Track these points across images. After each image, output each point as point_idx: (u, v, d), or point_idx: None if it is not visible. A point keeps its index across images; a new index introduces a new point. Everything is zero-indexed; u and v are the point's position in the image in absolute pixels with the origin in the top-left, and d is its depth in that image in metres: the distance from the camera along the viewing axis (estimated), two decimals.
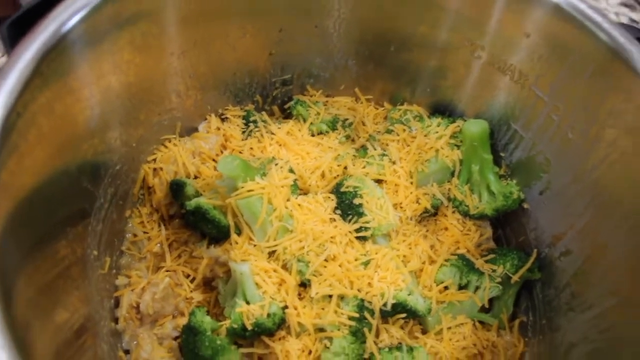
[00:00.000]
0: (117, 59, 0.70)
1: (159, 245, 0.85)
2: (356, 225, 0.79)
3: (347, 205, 0.81)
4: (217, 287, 0.82)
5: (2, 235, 0.52)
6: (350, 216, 0.80)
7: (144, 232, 0.85)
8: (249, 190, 0.78)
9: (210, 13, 0.78)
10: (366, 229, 0.79)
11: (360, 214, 0.80)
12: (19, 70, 0.57)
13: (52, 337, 0.62)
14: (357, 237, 0.80)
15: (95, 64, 0.67)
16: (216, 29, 0.81)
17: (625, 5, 1.42)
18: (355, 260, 0.78)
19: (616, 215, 0.72)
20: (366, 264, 0.78)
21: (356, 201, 0.80)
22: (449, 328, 0.82)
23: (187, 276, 0.84)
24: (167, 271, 0.84)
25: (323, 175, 0.86)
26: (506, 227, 0.93)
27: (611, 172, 0.72)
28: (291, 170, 0.83)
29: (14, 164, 0.55)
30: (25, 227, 0.57)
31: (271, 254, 0.78)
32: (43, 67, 0.59)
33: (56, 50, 0.60)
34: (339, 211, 0.81)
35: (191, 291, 0.84)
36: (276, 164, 0.82)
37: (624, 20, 1.39)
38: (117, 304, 0.83)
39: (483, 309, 0.85)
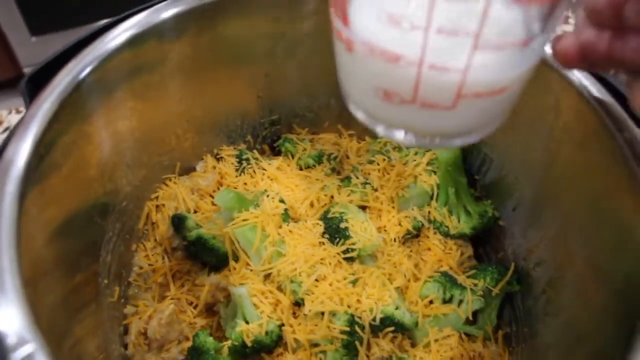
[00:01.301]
0: (123, 106, 0.79)
1: (163, 276, 0.92)
2: (343, 247, 0.86)
3: (334, 230, 0.88)
4: (219, 311, 0.89)
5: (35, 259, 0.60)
6: (338, 239, 0.87)
7: (149, 265, 0.92)
8: (244, 220, 0.86)
9: (202, 63, 0.86)
10: (352, 250, 0.86)
11: (347, 237, 0.87)
12: (40, 118, 0.65)
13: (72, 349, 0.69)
14: (345, 258, 0.86)
15: (105, 111, 0.75)
16: (208, 77, 0.90)
17: None
18: (344, 279, 0.84)
19: (577, 225, 0.78)
20: (354, 282, 0.84)
21: (342, 225, 0.87)
22: (436, 340, 0.88)
23: (190, 303, 0.91)
24: (171, 299, 0.91)
25: (312, 205, 0.94)
26: (486, 245, 1.00)
27: (569, 185, 0.79)
28: (282, 201, 0.90)
29: (40, 200, 0.63)
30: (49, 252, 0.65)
31: (267, 276, 0.85)
32: (61, 114, 0.67)
33: (71, 99, 0.68)
34: (327, 235, 0.88)
35: (194, 317, 0.90)
36: (268, 196, 0.90)
37: None
38: (125, 331, 0.89)
39: (468, 322, 0.91)
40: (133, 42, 0.75)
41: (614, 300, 0.68)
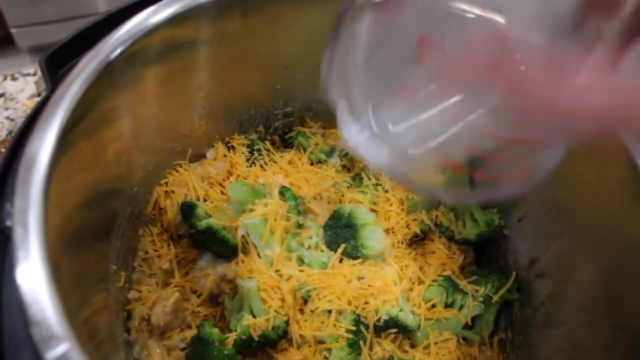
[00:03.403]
0: (146, 91, 0.78)
1: (168, 262, 0.91)
2: (351, 247, 0.87)
3: (343, 230, 0.88)
4: (224, 302, 0.89)
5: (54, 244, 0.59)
6: (346, 240, 0.88)
7: (155, 250, 0.92)
8: (255, 213, 0.86)
9: (229, 50, 0.85)
10: (361, 251, 0.87)
11: (355, 238, 0.88)
12: (67, 102, 0.64)
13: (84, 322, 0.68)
14: (353, 259, 0.87)
15: (128, 96, 0.74)
16: (230, 67, 0.89)
17: None
18: (351, 281, 0.85)
19: (585, 241, 0.80)
20: (361, 282, 0.85)
21: (351, 225, 0.89)
22: (436, 343, 0.89)
23: (194, 292, 0.91)
24: (175, 286, 0.90)
25: (321, 201, 0.94)
26: (488, 252, 1.01)
27: (580, 202, 0.81)
28: (293, 196, 0.90)
29: (62, 185, 0.61)
30: (68, 237, 0.64)
31: (276, 270, 0.86)
32: (87, 98, 0.65)
33: (99, 83, 0.67)
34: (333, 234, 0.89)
35: (198, 306, 0.90)
36: (279, 190, 0.90)
37: None
38: (129, 316, 0.88)
39: (466, 326, 0.93)
40: (172, 21, 0.73)
41: (620, 323, 0.70)
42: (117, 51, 0.69)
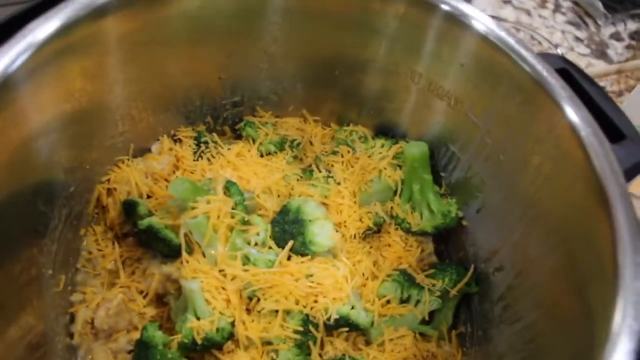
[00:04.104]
0: (70, 87, 0.73)
1: (113, 262, 0.88)
2: (299, 244, 0.84)
3: (290, 226, 0.85)
4: (169, 303, 0.86)
5: None
6: (294, 236, 0.84)
7: (99, 250, 0.88)
8: (197, 211, 0.82)
9: (158, 40, 0.80)
10: (309, 248, 0.84)
11: (303, 234, 0.84)
12: None
13: (10, 350, 0.65)
14: (301, 256, 0.84)
15: (45, 96, 0.69)
16: (167, 56, 0.84)
17: (571, 23, 1.49)
18: (299, 279, 0.82)
19: (542, 233, 0.77)
20: (310, 281, 0.82)
21: (299, 221, 0.85)
22: (391, 340, 0.87)
23: (141, 292, 0.87)
24: (121, 287, 0.87)
25: (270, 195, 0.91)
26: (447, 242, 0.98)
27: (538, 193, 0.77)
28: (239, 191, 0.86)
29: None
30: None
31: (220, 270, 0.82)
32: None
33: (3, 88, 0.62)
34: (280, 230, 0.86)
35: (144, 306, 0.86)
36: (224, 185, 0.86)
37: (570, 38, 1.46)
38: (72, 319, 0.85)
39: (423, 321, 0.90)
40: (65, 27, 0.67)
41: (579, 317, 0.66)
42: (22, 58, 0.64)
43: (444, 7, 0.78)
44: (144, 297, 0.87)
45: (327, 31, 0.88)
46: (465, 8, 0.78)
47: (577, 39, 1.46)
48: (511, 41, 0.76)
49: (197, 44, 0.85)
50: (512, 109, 0.78)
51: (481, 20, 0.77)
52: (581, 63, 1.40)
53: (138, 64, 0.81)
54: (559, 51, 1.39)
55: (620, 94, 1.36)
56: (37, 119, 0.69)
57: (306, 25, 0.88)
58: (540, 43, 1.43)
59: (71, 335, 0.84)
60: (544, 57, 0.77)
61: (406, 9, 0.81)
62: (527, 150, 0.77)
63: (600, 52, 1.45)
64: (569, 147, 0.69)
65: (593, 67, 1.41)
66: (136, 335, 0.85)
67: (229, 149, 0.94)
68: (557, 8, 1.52)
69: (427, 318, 0.90)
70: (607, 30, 1.49)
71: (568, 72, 0.79)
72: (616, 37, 1.49)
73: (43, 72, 0.67)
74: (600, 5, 1.48)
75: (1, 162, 0.65)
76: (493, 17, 0.79)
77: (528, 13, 1.50)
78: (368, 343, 0.87)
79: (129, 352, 0.85)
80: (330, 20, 0.86)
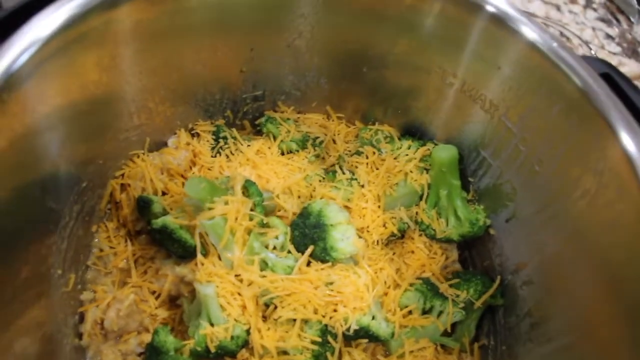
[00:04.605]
0: (84, 79, 0.69)
1: (125, 260, 0.85)
2: (319, 250, 0.80)
3: (311, 230, 0.81)
4: (182, 305, 0.82)
5: None
6: (314, 241, 0.80)
7: (110, 247, 0.85)
8: (214, 212, 0.78)
9: (176, 31, 0.76)
10: (330, 254, 0.80)
11: (324, 239, 0.80)
12: None
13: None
14: (321, 262, 0.80)
15: (53, 90, 0.65)
16: (187, 47, 0.80)
17: (602, 20, 1.43)
18: (318, 287, 0.78)
19: (581, 252, 0.72)
20: (330, 289, 0.78)
21: (321, 225, 0.81)
22: (411, 352, 0.83)
23: (153, 292, 0.84)
24: (132, 287, 0.84)
25: (290, 196, 0.87)
26: (472, 250, 0.94)
27: (575, 209, 0.73)
28: (258, 191, 0.82)
29: None
30: None
31: (236, 275, 0.78)
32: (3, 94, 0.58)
33: (9, 83, 0.59)
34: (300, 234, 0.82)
35: (156, 308, 0.83)
36: (243, 185, 0.82)
37: (601, 35, 1.40)
38: (81, 319, 0.82)
39: (445, 332, 0.86)
40: (76, 17, 0.63)
41: (627, 346, 0.62)
42: (33, 49, 0.60)
43: (489, 8, 0.73)
44: (156, 298, 0.84)
45: (356, 25, 0.84)
46: (509, 10, 0.73)
47: (608, 36, 1.40)
48: (557, 47, 0.71)
49: (218, 36, 0.81)
50: (552, 117, 0.74)
51: (525, 23, 0.72)
52: (611, 62, 1.34)
53: (155, 55, 0.77)
54: (591, 49, 1.34)
55: None
56: (45, 113, 0.65)
57: (334, 18, 0.83)
58: (569, 40, 1.37)
59: (80, 336, 0.81)
60: (588, 61, 0.72)
61: (446, 7, 0.76)
62: (568, 164, 0.73)
63: (632, 51, 1.39)
64: (621, 176, 0.64)
65: (623, 66, 1.36)
66: (147, 337, 0.82)
67: (248, 145, 0.90)
68: (588, 4, 1.46)
69: (449, 330, 0.86)
70: (639, 28, 1.43)
71: (611, 78, 0.74)
72: None
73: (51, 64, 0.63)
74: (634, 1, 1.42)
75: (8, 159, 0.62)
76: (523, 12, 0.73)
77: (558, 8, 1.44)
78: (387, 354, 0.84)
79: (140, 354, 0.83)
80: (360, 14, 0.82)
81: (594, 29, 1.41)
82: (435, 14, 0.77)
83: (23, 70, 0.59)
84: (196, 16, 0.76)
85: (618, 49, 1.39)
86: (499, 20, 0.73)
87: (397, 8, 0.80)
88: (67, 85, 0.66)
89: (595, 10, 1.45)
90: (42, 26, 0.61)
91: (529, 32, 0.72)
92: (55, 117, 0.67)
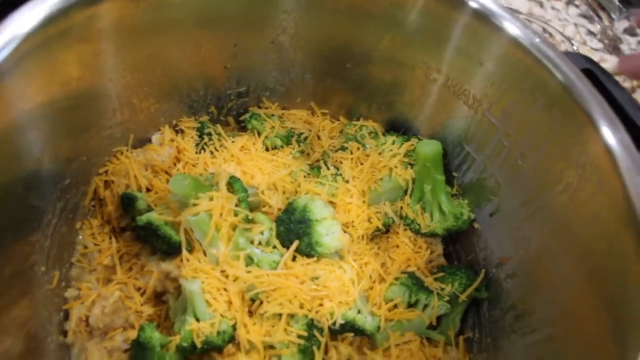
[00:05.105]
0: (67, 75, 0.69)
1: (109, 257, 0.85)
2: (305, 245, 0.80)
3: (296, 225, 0.81)
4: (168, 301, 0.82)
5: None
6: (299, 236, 0.80)
7: (95, 244, 0.85)
8: (199, 208, 0.78)
9: (160, 27, 0.76)
10: (315, 249, 0.80)
11: (309, 234, 0.80)
12: None
13: None
14: (307, 257, 0.80)
15: (34, 87, 0.64)
16: (170, 43, 0.79)
17: (584, 17, 1.44)
18: (304, 282, 0.78)
19: (563, 245, 0.73)
20: (316, 283, 0.78)
21: (306, 220, 0.81)
22: (397, 345, 0.84)
23: (138, 289, 0.84)
24: (117, 283, 0.84)
25: (275, 192, 0.87)
26: (457, 244, 0.95)
27: (558, 202, 0.73)
28: (243, 187, 0.82)
29: None
30: None
31: (222, 270, 0.78)
32: None
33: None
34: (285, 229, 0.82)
35: (142, 304, 0.83)
36: (227, 181, 0.82)
37: (583, 31, 1.41)
38: (66, 316, 0.82)
39: (430, 326, 0.87)
40: (56, 13, 0.62)
41: (607, 337, 0.63)
42: (13, 44, 0.60)
43: (472, 4, 0.73)
44: (142, 295, 0.84)
45: (340, 21, 0.84)
46: (492, 6, 0.73)
47: (590, 32, 1.42)
48: (540, 42, 0.71)
49: (202, 32, 0.81)
50: (535, 112, 0.74)
51: (508, 19, 0.73)
52: (593, 58, 1.35)
53: (138, 52, 0.77)
54: (573, 45, 1.35)
55: (633, 90, 1.32)
56: (27, 109, 0.65)
57: (318, 14, 0.83)
58: (552, 36, 1.38)
59: (65, 334, 0.81)
60: (570, 57, 0.73)
61: (429, 3, 0.76)
62: (550, 158, 0.73)
63: (613, 47, 1.41)
64: (602, 169, 0.65)
65: (605, 62, 1.37)
66: (132, 333, 0.81)
67: (233, 141, 0.90)
68: (570, 1, 1.47)
69: (434, 323, 0.87)
70: (620, 25, 1.45)
71: (592, 73, 0.75)
72: (630, 31, 1.44)
73: (32, 61, 0.62)
74: None
75: None
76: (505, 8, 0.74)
77: (541, 5, 1.45)
78: (373, 347, 0.84)
79: (125, 350, 0.82)
80: (344, 10, 0.82)
81: (576, 25, 1.42)
82: (419, 10, 0.78)
83: (3, 67, 0.58)
84: (179, 12, 0.76)
85: (600, 45, 1.40)
86: (482, 16, 0.74)
87: (381, 4, 0.80)
88: (49, 82, 0.66)
89: (577, 6, 1.46)
90: (22, 21, 0.60)
91: (512, 27, 0.72)
92: (38, 114, 0.66)
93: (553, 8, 1.45)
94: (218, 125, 0.92)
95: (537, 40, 0.72)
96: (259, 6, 0.81)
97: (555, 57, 0.71)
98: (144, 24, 0.74)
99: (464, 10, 0.74)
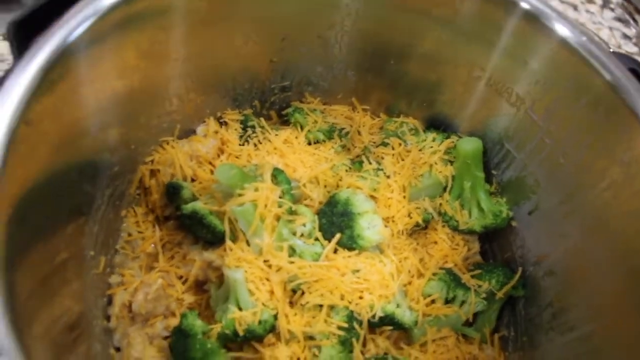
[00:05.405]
0: (123, 64, 0.70)
1: (152, 245, 0.86)
2: (346, 238, 0.81)
3: (338, 218, 0.82)
4: (209, 290, 0.84)
5: (4, 234, 0.53)
6: (341, 229, 0.81)
7: (139, 232, 0.86)
8: (244, 198, 0.79)
9: (217, 20, 0.78)
10: (357, 242, 0.81)
11: (352, 227, 0.81)
12: (27, 79, 0.57)
13: (48, 330, 0.63)
14: (348, 250, 0.81)
15: (102, 70, 0.67)
16: (221, 36, 0.81)
17: (620, 20, 1.44)
18: (345, 274, 0.79)
19: (603, 242, 0.74)
20: (357, 276, 0.79)
21: (348, 214, 0.82)
22: (434, 340, 0.84)
23: (180, 277, 0.85)
24: (159, 271, 0.85)
25: (317, 185, 0.88)
26: (493, 242, 0.95)
27: (599, 200, 0.74)
28: (286, 179, 0.84)
29: (19, 166, 0.56)
30: (26, 226, 0.58)
31: (265, 260, 0.80)
32: (51, 74, 0.59)
33: (64, 57, 0.60)
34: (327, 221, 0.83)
35: (183, 293, 0.84)
36: (272, 173, 0.83)
37: (617, 35, 1.41)
38: (109, 301, 0.83)
39: (466, 322, 0.88)
40: None
41: None
42: (83, 26, 0.62)
43: (523, 4, 0.74)
44: (183, 283, 0.85)
45: (387, 18, 0.85)
46: (543, 6, 0.74)
47: (625, 36, 1.42)
48: (587, 42, 0.72)
49: (254, 25, 0.82)
50: (578, 110, 0.75)
51: (558, 19, 0.74)
52: None
53: (196, 42, 0.79)
54: (609, 48, 1.35)
55: None
56: (92, 95, 0.67)
57: (365, 11, 0.84)
58: None
59: (108, 318, 0.83)
60: (616, 56, 0.74)
61: (482, 3, 0.77)
62: (594, 156, 0.74)
63: None
64: None
65: None
66: (173, 321, 0.83)
67: (276, 134, 0.91)
68: (605, 4, 1.47)
69: (470, 320, 0.87)
70: None
71: (637, 73, 0.76)
72: None
73: (107, 39, 0.64)
74: None
75: (51, 141, 0.63)
76: None
77: (575, 8, 1.46)
78: (410, 342, 0.85)
79: (165, 337, 0.83)
80: (392, 7, 0.83)
81: (610, 28, 1.42)
82: (470, 9, 0.79)
83: (80, 41, 0.60)
84: (240, 4, 0.78)
85: (635, 49, 1.40)
86: (532, 17, 0.75)
87: (438, 2, 0.81)
88: (116, 65, 0.68)
89: (612, 10, 1.46)
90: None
91: (562, 28, 0.73)
92: (101, 100, 0.68)
93: (588, 11, 1.45)
94: (261, 119, 0.94)
95: (584, 39, 0.73)
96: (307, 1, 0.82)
97: (602, 56, 0.72)
98: (210, 16, 0.76)
99: (516, 11, 0.75)
